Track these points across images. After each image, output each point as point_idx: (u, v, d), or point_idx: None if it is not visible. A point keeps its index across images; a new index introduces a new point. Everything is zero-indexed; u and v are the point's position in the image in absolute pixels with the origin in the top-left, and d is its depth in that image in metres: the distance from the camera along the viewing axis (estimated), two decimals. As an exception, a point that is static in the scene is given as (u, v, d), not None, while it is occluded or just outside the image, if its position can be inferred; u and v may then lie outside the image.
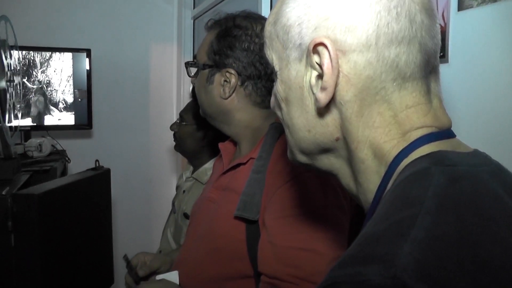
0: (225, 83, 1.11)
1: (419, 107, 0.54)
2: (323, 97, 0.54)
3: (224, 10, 2.20)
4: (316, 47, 0.54)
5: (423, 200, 0.44)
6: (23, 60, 2.11)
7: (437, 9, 1.12)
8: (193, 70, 1.21)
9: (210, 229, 1.12)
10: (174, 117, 2.82)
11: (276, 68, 0.61)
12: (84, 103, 2.26)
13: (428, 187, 0.45)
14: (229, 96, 1.11)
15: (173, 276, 1.18)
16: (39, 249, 1.15)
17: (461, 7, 1.09)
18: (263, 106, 1.13)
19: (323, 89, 0.54)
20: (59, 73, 2.21)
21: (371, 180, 0.56)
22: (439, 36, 0.56)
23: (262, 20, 1.14)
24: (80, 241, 1.41)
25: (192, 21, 2.81)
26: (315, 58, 0.54)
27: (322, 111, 0.57)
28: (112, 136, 2.68)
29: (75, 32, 2.46)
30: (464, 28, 1.08)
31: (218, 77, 1.12)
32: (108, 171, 1.58)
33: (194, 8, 2.79)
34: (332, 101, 0.55)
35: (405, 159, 0.52)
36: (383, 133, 0.54)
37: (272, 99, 0.67)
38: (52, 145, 2.16)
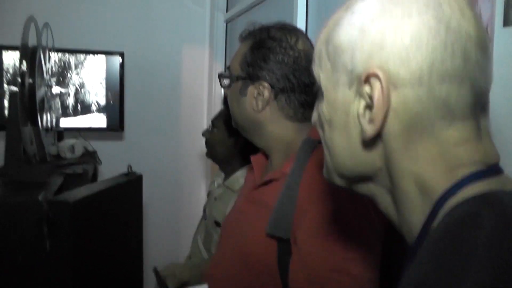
0: (258, 95, 1.10)
1: (468, 145, 0.53)
2: (371, 129, 0.53)
3: (258, 14, 2.19)
4: (368, 78, 0.52)
5: (475, 248, 0.43)
6: (59, 62, 2.15)
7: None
8: (227, 80, 1.19)
9: (241, 243, 1.11)
10: (205, 120, 2.84)
11: (323, 88, 0.59)
12: (116, 105, 2.29)
13: (479, 234, 0.44)
14: (262, 109, 1.10)
15: None
16: (72, 255, 1.17)
17: (506, 22, 1.05)
18: (295, 120, 1.11)
19: (371, 121, 0.53)
20: (93, 76, 2.24)
21: (414, 213, 0.55)
22: (492, 74, 0.55)
23: (296, 31, 1.12)
24: (111, 247, 1.42)
25: (225, 24, 2.81)
26: (366, 88, 0.53)
27: (367, 141, 0.55)
28: (143, 139, 2.70)
29: (109, 35, 2.49)
30: (509, 45, 1.04)
31: (251, 90, 1.10)
32: (140, 177, 1.59)
33: (227, 11, 2.79)
34: (378, 132, 0.54)
35: (452, 197, 0.51)
36: (430, 169, 0.53)
37: (315, 115, 0.66)
38: (84, 147, 2.20)
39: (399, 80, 0.51)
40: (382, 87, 0.51)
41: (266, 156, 1.22)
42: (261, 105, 1.09)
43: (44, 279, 1.18)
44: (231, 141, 1.88)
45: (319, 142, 0.97)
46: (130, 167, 1.59)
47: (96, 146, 2.31)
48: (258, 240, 1.04)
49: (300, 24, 1.73)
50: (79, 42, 2.36)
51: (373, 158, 0.57)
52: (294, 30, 1.12)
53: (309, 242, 0.96)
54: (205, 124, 2.82)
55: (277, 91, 1.08)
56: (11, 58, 2.05)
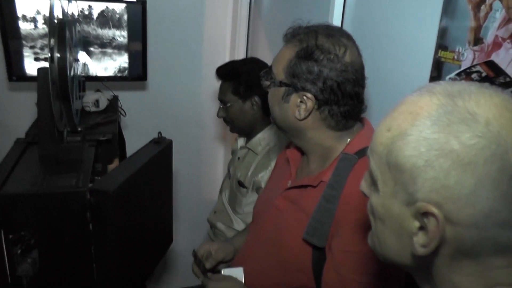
0: (301, 104, 1.09)
1: (509, 269, 0.58)
2: (422, 252, 0.58)
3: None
4: (426, 213, 0.56)
5: None
6: (81, 13, 2.06)
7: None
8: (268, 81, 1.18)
9: (277, 240, 1.18)
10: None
11: (379, 187, 0.62)
12: (138, 54, 2.22)
13: None
14: (304, 118, 1.10)
15: (238, 273, 1.26)
16: (113, 234, 1.24)
17: None
18: (337, 129, 1.12)
19: (423, 246, 0.58)
20: (114, 25, 2.16)
21: None
22: None
23: (345, 40, 1.07)
24: (145, 216, 1.48)
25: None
26: (423, 219, 0.57)
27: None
28: (166, 88, 2.66)
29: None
30: None
31: (294, 98, 1.10)
32: (170, 143, 1.59)
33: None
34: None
35: None
36: (468, 281, 0.59)
37: (364, 184, 0.70)
38: (108, 99, 2.17)
39: (456, 220, 0.55)
40: (438, 224, 0.55)
41: (301, 151, 1.24)
42: (303, 114, 1.09)
43: (89, 257, 1.25)
44: (247, 105, 1.88)
45: (358, 158, 1.00)
46: (160, 133, 1.59)
47: (119, 96, 2.28)
48: (295, 242, 1.11)
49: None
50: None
51: (419, 264, 0.63)
52: (343, 38, 1.08)
53: (344, 254, 1.04)
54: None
55: (320, 103, 1.08)
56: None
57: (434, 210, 0.55)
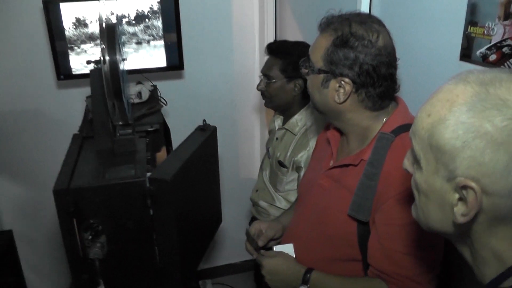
0: (340, 88, 1.17)
1: None
2: (462, 220, 0.67)
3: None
4: (465, 186, 0.64)
5: None
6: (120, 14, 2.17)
7: None
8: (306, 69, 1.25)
9: (323, 217, 1.28)
10: (257, 51, 2.83)
11: (422, 165, 0.71)
12: (174, 45, 2.32)
13: None
14: (343, 101, 1.18)
15: (289, 249, 1.37)
16: (172, 217, 1.35)
17: None
18: (373, 109, 1.20)
19: (463, 215, 0.66)
20: (150, 19, 2.26)
21: (488, 269, 0.72)
22: None
23: (377, 26, 1.15)
24: (198, 198, 1.60)
25: None
26: (462, 191, 0.65)
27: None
28: (201, 75, 2.76)
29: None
30: None
31: (333, 83, 1.18)
32: (215, 130, 1.69)
33: None
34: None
35: None
36: (504, 244, 0.69)
37: (406, 163, 0.78)
38: (149, 90, 2.28)
39: (491, 191, 0.64)
40: (476, 196, 0.64)
41: (340, 132, 1.33)
42: (342, 98, 1.17)
43: (151, 239, 1.37)
44: (290, 86, 1.93)
45: (395, 136, 1.13)
46: (205, 121, 1.69)
47: (158, 86, 2.40)
48: (340, 218, 1.21)
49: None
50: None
51: (460, 231, 0.72)
52: (374, 24, 1.15)
53: (386, 227, 1.14)
54: (257, 53, 2.83)
55: (358, 86, 1.15)
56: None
57: (472, 184, 0.63)
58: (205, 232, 1.75)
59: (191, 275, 1.68)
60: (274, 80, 1.94)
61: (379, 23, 1.17)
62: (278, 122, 2.12)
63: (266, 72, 1.98)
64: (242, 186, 3.00)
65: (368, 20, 1.15)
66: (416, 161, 0.73)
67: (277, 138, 2.08)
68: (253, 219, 2.22)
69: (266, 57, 2.02)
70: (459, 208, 0.67)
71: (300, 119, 1.96)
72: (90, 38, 2.17)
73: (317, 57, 1.18)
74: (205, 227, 1.74)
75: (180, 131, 1.62)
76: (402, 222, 1.10)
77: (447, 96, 0.67)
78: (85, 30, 2.13)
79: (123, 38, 2.18)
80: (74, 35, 2.11)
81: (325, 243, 1.28)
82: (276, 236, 1.51)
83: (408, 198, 1.06)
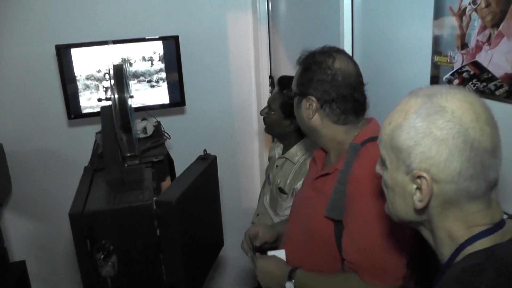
0: (310, 106, 1.40)
1: (481, 213, 0.83)
2: (420, 205, 0.84)
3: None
4: (419, 176, 0.81)
5: None
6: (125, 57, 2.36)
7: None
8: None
9: (308, 222, 1.47)
10: (253, 83, 3.02)
11: (387, 165, 0.89)
12: (176, 83, 2.50)
13: (481, 282, 0.74)
14: (312, 116, 1.40)
15: (281, 254, 1.55)
16: (177, 238, 1.47)
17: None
18: (340, 123, 1.40)
19: (420, 201, 0.83)
20: (153, 60, 2.44)
21: (445, 249, 0.87)
22: (500, 167, 0.82)
23: (334, 53, 1.38)
24: (201, 220, 1.72)
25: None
26: (418, 180, 0.82)
27: (416, 209, 0.87)
28: (202, 110, 2.95)
29: (164, 20, 2.73)
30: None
31: (304, 103, 1.41)
32: (215, 159, 1.83)
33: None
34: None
35: (469, 246, 0.82)
36: (455, 225, 0.84)
37: (377, 167, 0.95)
38: (153, 126, 2.44)
39: (439, 179, 0.80)
40: (428, 183, 0.81)
41: (325, 151, 1.52)
42: (312, 114, 1.40)
43: (158, 258, 1.49)
44: (286, 122, 2.07)
45: (362, 145, 1.35)
46: (206, 150, 1.83)
47: (161, 121, 2.56)
48: (319, 221, 1.39)
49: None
50: (135, 30, 2.59)
51: (420, 217, 0.88)
52: (333, 52, 1.39)
53: (355, 224, 1.31)
54: (253, 88, 3.01)
55: (322, 102, 1.38)
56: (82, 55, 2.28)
57: (424, 174, 0.80)
58: (208, 253, 1.86)
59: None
60: (273, 112, 2.08)
61: (339, 51, 1.40)
62: (278, 150, 2.26)
63: (269, 102, 2.12)
64: (243, 214, 3.12)
65: (330, 50, 1.39)
66: (383, 163, 0.90)
67: (277, 166, 2.21)
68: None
69: (268, 90, 2.19)
70: (417, 196, 0.83)
71: (299, 149, 2.10)
72: (98, 80, 2.36)
73: (294, 84, 1.45)
74: (208, 249, 1.85)
75: (183, 162, 1.76)
76: (368, 217, 1.27)
77: (403, 107, 0.85)
78: (94, 74, 2.32)
79: (129, 78, 2.36)
80: (84, 77, 2.30)
81: (309, 245, 1.45)
82: (270, 241, 1.70)
83: (372, 196, 1.24)
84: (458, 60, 1.28)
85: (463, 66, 1.26)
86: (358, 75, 1.39)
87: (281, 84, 2.09)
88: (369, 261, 1.29)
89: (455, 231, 0.84)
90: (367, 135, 1.37)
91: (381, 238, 1.26)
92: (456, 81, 1.30)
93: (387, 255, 1.27)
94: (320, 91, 1.36)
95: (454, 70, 1.30)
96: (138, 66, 2.43)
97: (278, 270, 1.48)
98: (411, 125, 0.81)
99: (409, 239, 1.27)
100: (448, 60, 1.32)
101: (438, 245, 0.89)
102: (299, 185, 2.02)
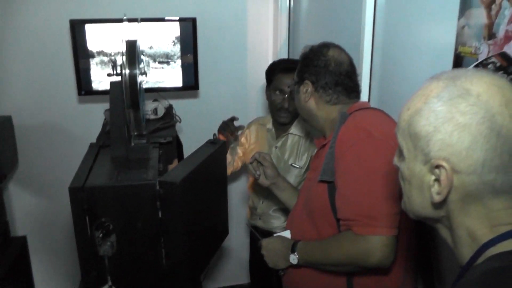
0: (306, 91, 1.55)
1: (507, 210, 0.74)
2: (438, 198, 0.75)
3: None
4: (438, 166, 0.73)
5: None
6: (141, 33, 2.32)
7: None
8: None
9: (308, 200, 1.54)
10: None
11: (405, 154, 0.80)
12: (190, 66, 2.45)
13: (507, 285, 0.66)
14: (309, 99, 1.55)
15: (286, 234, 1.63)
16: (179, 220, 1.43)
17: None
18: (332, 103, 1.53)
19: (438, 193, 0.75)
20: (168, 41, 2.40)
21: (465, 248, 0.78)
22: None
23: (330, 45, 1.55)
24: (206, 202, 1.68)
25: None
26: (436, 171, 0.74)
27: (434, 203, 0.78)
28: (215, 95, 2.89)
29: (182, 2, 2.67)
30: None
31: (301, 88, 1.57)
32: (224, 143, 1.78)
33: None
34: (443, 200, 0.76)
35: (492, 247, 0.73)
36: (477, 223, 0.75)
37: (395, 159, 0.88)
38: (165, 107, 2.41)
39: (460, 169, 0.72)
40: (447, 174, 0.72)
41: (324, 136, 1.61)
42: (308, 97, 1.56)
43: (158, 240, 1.45)
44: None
45: (350, 113, 1.42)
46: (215, 134, 1.79)
47: (173, 104, 2.52)
48: (315, 188, 1.48)
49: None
50: (154, 10, 2.54)
51: (438, 212, 0.80)
52: (328, 44, 1.56)
53: (343, 178, 1.37)
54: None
55: (316, 86, 1.53)
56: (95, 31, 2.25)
57: (444, 163, 0.72)
58: (212, 240, 1.82)
59: (196, 280, 1.74)
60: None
61: (335, 45, 1.55)
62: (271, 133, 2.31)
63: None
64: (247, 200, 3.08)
65: (327, 43, 1.55)
66: (400, 153, 0.82)
67: (276, 147, 2.25)
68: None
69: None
70: (435, 188, 0.75)
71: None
72: (112, 57, 2.32)
73: (295, 75, 1.62)
74: (211, 236, 1.80)
75: (192, 147, 1.72)
76: (355, 172, 1.33)
77: (423, 92, 0.77)
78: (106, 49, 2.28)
79: (143, 57, 2.33)
80: (97, 52, 2.27)
81: (307, 219, 1.53)
82: (271, 175, 1.81)
83: (358, 151, 1.32)
84: (484, 51, 1.21)
85: (489, 57, 1.19)
86: (351, 64, 1.55)
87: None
88: (358, 212, 1.32)
89: (476, 230, 0.75)
90: (356, 108, 1.49)
91: (369, 190, 1.31)
92: (480, 74, 1.23)
93: (376, 204, 1.30)
94: (315, 75, 1.52)
95: (479, 61, 1.22)
96: (154, 46, 2.39)
97: (282, 246, 1.56)
98: (431, 109, 0.74)
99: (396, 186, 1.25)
100: (473, 51, 1.25)
101: (457, 244, 0.80)
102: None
